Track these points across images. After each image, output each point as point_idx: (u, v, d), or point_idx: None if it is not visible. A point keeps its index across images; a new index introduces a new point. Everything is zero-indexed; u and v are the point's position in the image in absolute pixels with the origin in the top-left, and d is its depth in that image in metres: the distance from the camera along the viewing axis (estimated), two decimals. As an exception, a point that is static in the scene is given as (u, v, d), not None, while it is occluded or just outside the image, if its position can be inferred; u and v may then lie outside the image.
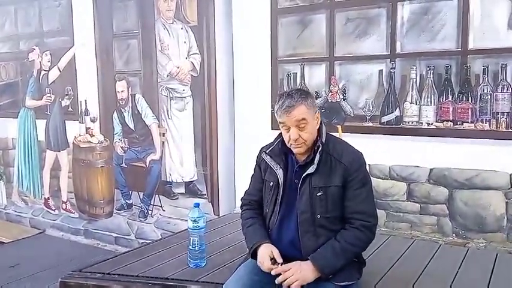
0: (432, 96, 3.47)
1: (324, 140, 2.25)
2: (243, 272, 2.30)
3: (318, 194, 2.20)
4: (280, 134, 2.33)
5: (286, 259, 2.23)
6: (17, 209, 6.35)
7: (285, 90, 2.50)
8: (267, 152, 2.39)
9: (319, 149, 2.22)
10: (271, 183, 2.33)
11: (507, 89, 3.23)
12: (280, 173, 2.30)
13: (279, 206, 2.31)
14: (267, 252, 2.24)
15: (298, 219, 2.24)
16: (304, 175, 2.22)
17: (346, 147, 2.30)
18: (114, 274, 2.73)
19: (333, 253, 2.16)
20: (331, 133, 2.37)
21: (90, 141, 5.37)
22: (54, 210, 5.95)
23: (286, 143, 2.26)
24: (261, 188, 2.44)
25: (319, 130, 2.27)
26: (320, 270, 2.14)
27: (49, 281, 4.05)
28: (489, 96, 3.28)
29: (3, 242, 5.72)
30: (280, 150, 2.34)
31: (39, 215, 6.11)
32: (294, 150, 2.26)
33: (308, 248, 2.22)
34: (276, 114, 2.23)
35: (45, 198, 6.00)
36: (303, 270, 2.15)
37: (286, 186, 2.30)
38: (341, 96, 3.80)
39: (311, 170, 2.20)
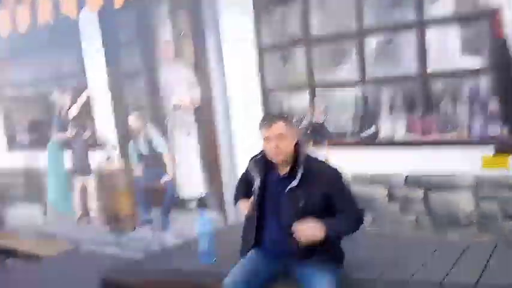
0: (402, 113, 3.76)
1: (303, 159, 2.48)
2: (240, 264, 2.58)
3: (300, 205, 2.44)
4: None
5: (270, 255, 2.55)
6: (53, 227, 6.62)
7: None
8: (251, 160, 2.66)
9: (301, 166, 2.46)
10: (253, 188, 2.62)
11: (464, 104, 3.47)
12: (257, 180, 2.58)
13: (258, 209, 2.58)
14: (243, 203, 2.65)
15: (282, 226, 2.48)
16: (288, 188, 2.46)
17: (324, 164, 2.57)
18: (143, 270, 3.05)
19: (338, 222, 2.41)
20: (310, 152, 2.60)
21: (111, 167, 5.61)
22: (85, 227, 6.21)
23: (268, 155, 2.51)
24: (245, 183, 2.71)
25: (299, 150, 2.51)
26: (328, 229, 2.38)
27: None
28: (450, 110, 3.53)
29: (42, 257, 5.97)
30: (261, 160, 2.59)
31: (73, 232, 6.36)
32: (274, 159, 2.50)
33: (292, 248, 2.45)
34: (260, 132, 2.49)
35: (77, 217, 6.27)
36: (313, 228, 2.39)
37: (267, 193, 2.56)
38: (323, 118, 4.04)
39: (294, 183, 2.45)
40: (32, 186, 6.73)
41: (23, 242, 6.81)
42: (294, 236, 2.40)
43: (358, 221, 2.48)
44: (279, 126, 2.43)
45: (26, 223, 6.92)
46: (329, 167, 2.54)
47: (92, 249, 6.11)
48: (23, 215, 6.96)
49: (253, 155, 2.65)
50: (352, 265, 2.63)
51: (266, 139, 2.45)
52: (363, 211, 2.52)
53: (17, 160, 6.74)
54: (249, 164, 2.65)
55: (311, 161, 2.50)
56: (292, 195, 2.44)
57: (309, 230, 2.36)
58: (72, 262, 5.55)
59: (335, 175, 2.47)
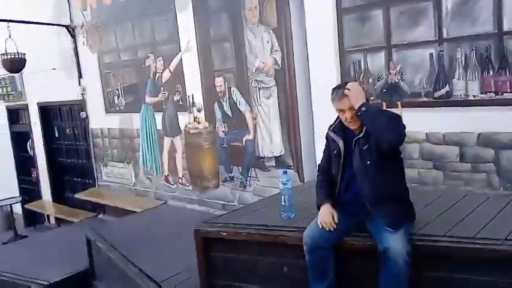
0: (476, 72, 3.90)
1: None
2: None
3: (364, 147, 2.78)
4: None
5: (346, 211, 2.88)
6: (143, 185, 7.39)
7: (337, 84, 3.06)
8: (330, 129, 3.03)
9: None
10: (335, 151, 2.96)
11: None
12: (340, 143, 2.92)
13: (341, 167, 2.92)
14: (327, 212, 2.89)
15: (355, 169, 2.83)
16: (355, 139, 2.81)
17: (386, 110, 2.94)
18: (229, 223, 3.44)
19: (380, 109, 2.79)
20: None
21: (197, 128, 6.22)
22: (173, 185, 6.89)
23: (344, 122, 2.86)
24: (330, 157, 3.04)
25: None
26: (366, 103, 2.71)
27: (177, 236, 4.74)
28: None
29: (136, 212, 6.67)
30: (340, 126, 2.95)
31: (162, 189, 7.07)
32: (351, 127, 2.85)
33: (366, 191, 2.78)
34: (332, 104, 2.85)
35: (165, 175, 6.98)
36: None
37: (347, 152, 2.89)
38: (399, 78, 4.28)
39: (360, 135, 2.80)
40: (125, 146, 7.48)
41: (115, 198, 7.65)
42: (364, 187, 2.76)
43: (399, 128, 2.65)
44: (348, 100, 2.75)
45: (119, 181, 7.74)
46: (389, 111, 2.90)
47: (178, 205, 6.76)
48: (116, 173, 7.79)
49: (330, 125, 3.02)
50: (421, 222, 2.90)
51: (339, 111, 2.82)
52: (403, 128, 2.68)
53: (113, 122, 7.52)
54: (330, 132, 2.99)
55: None
56: (359, 143, 2.78)
57: (354, 92, 2.72)
58: (160, 217, 6.20)
59: (391, 113, 2.79)
